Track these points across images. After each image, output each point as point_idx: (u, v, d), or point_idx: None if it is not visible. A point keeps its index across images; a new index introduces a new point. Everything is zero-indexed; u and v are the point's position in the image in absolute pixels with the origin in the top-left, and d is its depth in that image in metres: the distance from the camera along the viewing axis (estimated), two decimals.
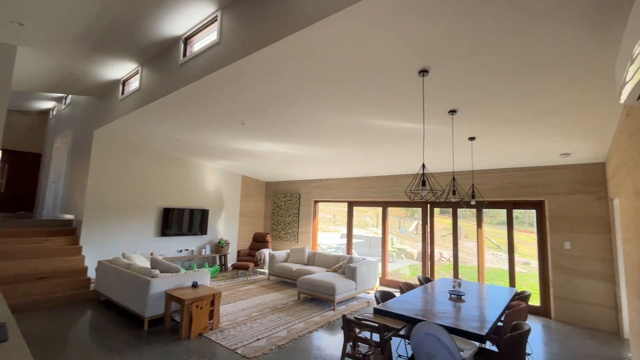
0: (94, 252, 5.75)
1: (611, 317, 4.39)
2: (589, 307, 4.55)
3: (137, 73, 4.69)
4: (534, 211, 5.36)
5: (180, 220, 7.07)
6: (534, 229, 5.38)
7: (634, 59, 1.55)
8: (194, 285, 4.10)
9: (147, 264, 4.94)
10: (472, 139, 4.18)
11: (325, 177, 7.98)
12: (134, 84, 4.84)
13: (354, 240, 7.91)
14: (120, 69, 4.77)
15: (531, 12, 1.89)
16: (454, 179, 3.87)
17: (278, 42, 2.53)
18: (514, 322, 2.43)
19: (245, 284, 6.43)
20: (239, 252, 7.81)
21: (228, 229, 8.27)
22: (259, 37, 2.72)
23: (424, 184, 2.53)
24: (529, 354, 3.47)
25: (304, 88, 3.22)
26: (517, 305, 3.00)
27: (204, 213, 7.56)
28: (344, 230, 7.93)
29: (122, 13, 3.31)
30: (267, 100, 3.64)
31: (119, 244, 6.11)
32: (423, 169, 2.59)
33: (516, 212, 5.64)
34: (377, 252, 7.27)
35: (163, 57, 4.14)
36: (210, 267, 7.24)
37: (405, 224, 12.65)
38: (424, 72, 2.67)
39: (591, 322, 4.52)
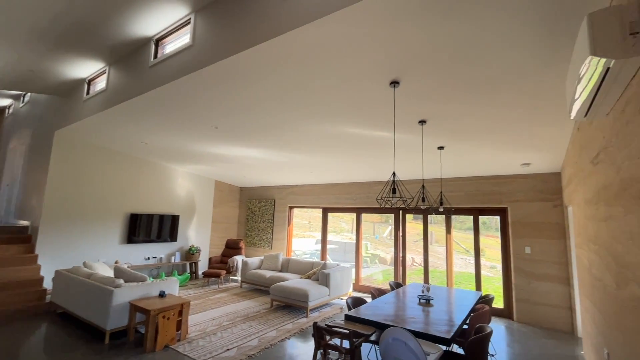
0: (52, 261, 5.39)
1: (567, 317, 4.68)
2: (547, 309, 4.82)
3: (104, 73, 4.50)
4: (498, 217, 5.64)
5: (148, 227, 6.79)
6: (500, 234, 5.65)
7: (580, 78, 1.69)
8: (161, 295, 3.94)
9: (111, 273, 4.69)
10: (441, 148, 4.35)
11: (300, 183, 7.98)
12: (100, 84, 4.63)
13: (329, 246, 7.94)
14: (85, 68, 4.56)
15: (494, 32, 2.01)
16: (423, 186, 4.00)
17: (252, 49, 2.52)
18: (478, 325, 2.54)
19: (217, 292, 6.26)
20: (210, 259, 7.60)
21: (200, 235, 8.04)
22: (233, 42, 2.70)
23: (394, 192, 2.60)
24: (492, 355, 3.62)
25: (278, 94, 3.23)
26: (481, 309, 3.14)
27: (174, 219, 7.30)
28: (320, 236, 7.94)
29: (88, 10, 3.18)
30: (242, 106, 3.61)
31: (80, 252, 5.77)
32: (393, 177, 2.66)
33: (484, 218, 5.91)
34: (351, 257, 7.33)
35: (133, 58, 4.01)
36: (179, 275, 6.99)
37: (380, 230, 12.87)
38: (395, 83, 2.76)
39: (549, 323, 4.79)
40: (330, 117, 3.68)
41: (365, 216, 7.37)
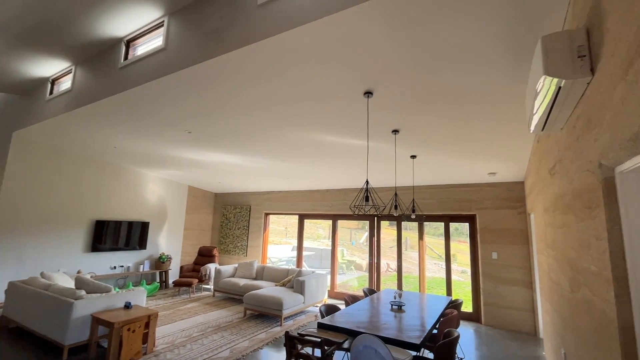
0: (5, 273, 5.00)
1: (530, 319, 4.91)
2: (512, 312, 5.04)
3: (70, 72, 4.29)
4: (467, 224, 5.86)
5: (116, 234, 6.47)
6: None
7: (537, 94, 1.81)
8: (127, 306, 3.75)
9: (72, 284, 4.42)
10: (413, 157, 4.48)
11: (277, 189, 7.93)
12: (65, 84, 4.41)
13: (305, 253, 7.91)
14: (49, 67, 4.32)
15: (461, 48, 2.12)
16: (396, 194, 4.10)
17: (227, 55, 2.50)
18: (446, 330, 2.61)
19: (188, 302, 6.04)
20: (182, 267, 7.34)
21: (171, 242, 7.76)
22: (208, 47, 2.67)
23: (367, 199, 2.65)
24: (461, 359, 3.73)
25: (254, 101, 3.21)
26: (450, 314, 3.23)
27: (144, 226, 7.01)
28: (296, 243, 7.89)
29: (53, 6, 3.04)
30: (216, 111, 3.56)
31: (40, 262, 5.39)
32: (367, 185, 2.71)
33: (456, 224, 6.12)
34: (328, 264, 7.33)
35: (101, 58, 3.85)
36: (148, 285, 6.69)
37: (356, 236, 12.98)
38: (368, 93, 2.83)
39: (514, 325, 5.01)
40: (305, 125, 3.70)
41: (342, 222, 7.42)
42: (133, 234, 6.79)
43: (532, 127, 2.12)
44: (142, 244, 6.96)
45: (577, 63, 1.37)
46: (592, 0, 1.33)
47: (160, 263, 7.10)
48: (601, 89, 1.25)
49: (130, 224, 6.74)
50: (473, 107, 2.91)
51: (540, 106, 1.81)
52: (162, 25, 3.22)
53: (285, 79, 2.73)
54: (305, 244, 7.98)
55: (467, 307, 5.60)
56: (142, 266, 6.85)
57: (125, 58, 3.58)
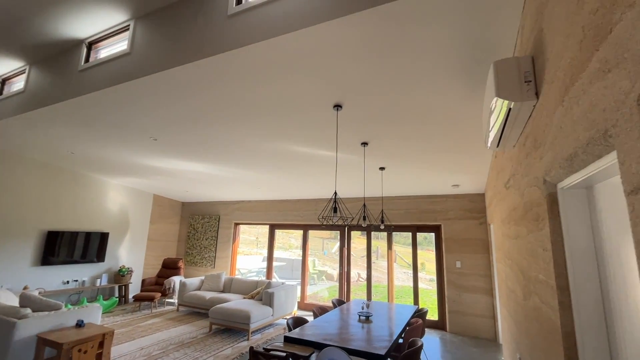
0: None
1: (490, 326, 5.12)
2: (475, 319, 5.24)
3: (24, 73, 4.01)
4: (433, 234, 6.07)
5: (71, 246, 6.02)
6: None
7: (492, 111, 1.93)
8: (79, 325, 3.48)
9: (16, 302, 4.04)
10: (382, 168, 4.60)
11: (247, 198, 7.79)
12: (17, 85, 4.11)
13: (276, 264, 7.80)
14: None
15: (423, 69, 2.23)
16: (364, 205, 4.18)
17: (196, 62, 2.46)
18: (411, 339, 2.66)
19: (149, 317, 5.71)
20: (144, 281, 6.94)
21: (132, 254, 7.34)
22: (176, 54, 2.61)
23: (335, 210, 2.68)
24: None
25: (224, 110, 3.17)
26: (416, 323, 3.30)
27: (103, 237, 6.58)
28: (267, 253, 7.75)
29: (6, 3, 2.85)
30: (184, 119, 3.47)
31: None
32: (335, 196, 2.74)
33: (424, 234, 6.30)
34: (299, 275, 7.25)
35: (59, 59, 3.64)
36: (105, 300, 6.26)
37: (328, 246, 12.99)
38: (338, 107, 2.89)
39: (476, 332, 5.20)
40: (276, 135, 3.70)
41: (314, 232, 7.41)
42: (91, 246, 6.35)
43: (489, 144, 2.26)
44: (100, 256, 6.52)
45: (524, 87, 1.49)
46: (535, 31, 1.46)
47: (119, 276, 6.68)
48: (544, 112, 1.36)
49: (88, 234, 6.32)
50: (436, 124, 3.05)
51: (495, 124, 1.94)
52: (128, 30, 3.12)
53: (255, 90, 2.73)
54: (277, 254, 7.87)
55: (433, 315, 5.74)
56: (99, 280, 6.40)
57: (87, 60, 3.41)
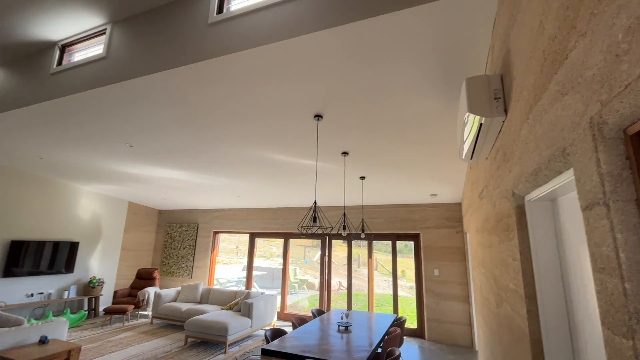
0: None
1: (467, 333, 5.22)
2: (452, 326, 5.33)
3: None
4: (412, 242, 6.17)
5: (37, 256, 5.68)
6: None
7: (465, 124, 2.01)
8: (42, 341, 3.28)
9: None
10: (362, 178, 4.66)
11: (227, 206, 7.66)
12: None
13: (257, 273, 7.67)
14: None
15: (402, 80, 2.29)
16: (344, 215, 4.20)
17: (175, 69, 2.43)
18: (389, 349, 2.67)
19: (121, 331, 5.45)
20: (116, 292, 6.64)
21: (104, 265, 7.01)
22: (154, 60, 2.57)
23: (315, 220, 2.68)
24: None
25: (203, 117, 3.13)
26: (394, 332, 3.32)
27: (73, 246, 6.27)
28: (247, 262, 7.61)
29: None
30: (162, 125, 3.39)
31: None
32: (314, 206, 2.74)
33: (404, 242, 6.38)
34: (280, 284, 7.15)
35: (30, 62, 3.50)
36: (73, 313, 5.93)
37: (310, 254, 12.91)
38: (318, 117, 2.91)
39: (453, 339, 5.28)
40: (256, 143, 3.68)
41: (296, 240, 7.35)
42: (59, 256, 6.03)
43: (463, 156, 2.34)
44: (69, 267, 6.20)
45: (493, 104, 1.56)
46: (504, 51, 1.55)
47: (90, 288, 6.35)
48: (512, 128, 1.43)
49: (56, 244, 5.99)
50: (414, 135, 3.13)
51: (468, 137, 2.02)
52: (104, 34, 3.04)
53: (235, 98, 2.71)
54: (258, 263, 7.75)
55: (413, 323, 5.80)
56: (67, 292, 6.06)
57: (59, 63, 3.29)
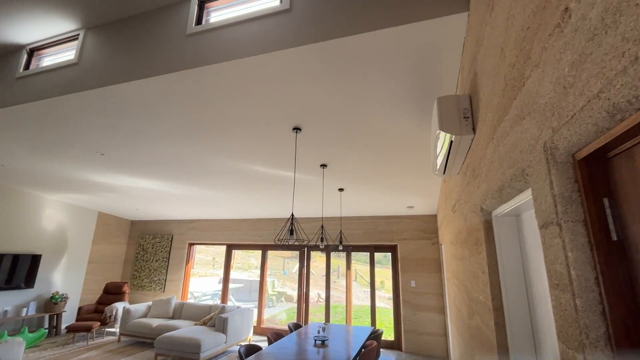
0: None
1: (443, 343, 5.29)
2: (428, 337, 5.39)
3: None
4: (390, 253, 6.23)
5: None
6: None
7: (437, 141, 2.09)
8: None
9: None
10: (341, 190, 4.69)
11: (203, 217, 7.47)
12: None
13: (233, 286, 7.48)
14: None
15: (380, 94, 2.36)
16: (322, 227, 4.21)
17: (153, 78, 2.38)
18: None
19: (84, 350, 5.12)
20: (80, 308, 6.24)
21: (69, 279, 6.61)
22: (130, 68, 2.51)
23: (292, 232, 2.66)
24: None
25: (179, 128, 3.07)
26: (370, 345, 3.32)
27: (34, 259, 5.87)
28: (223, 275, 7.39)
29: None
30: (136, 134, 3.29)
31: None
32: (292, 218, 2.73)
33: (383, 253, 6.43)
34: (257, 297, 6.98)
35: None
36: (31, 332, 5.52)
37: (289, 265, 12.73)
38: (297, 129, 2.93)
39: (430, 350, 5.33)
40: (234, 154, 3.64)
41: (275, 252, 7.24)
42: (18, 270, 5.63)
43: (436, 170, 2.42)
44: (29, 281, 5.79)
45: (463, 123, 1.63)
46: (472, 73, 1.63)
47: (51, 304, 5.95)
48: (480, 146, 1.50)
49: (16, 257, 5.60)
50: (390, 149, 3.21)
51: (440, 152, 2.09)
52: (77, 39, 2.95)
53: (213, 109, 2.69)
54: (235, 275, 7.57)
55: (390, 335, 5.81)
56: (25, 309, 5.64)
57: (27, 67, 3.15)
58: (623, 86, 0.46)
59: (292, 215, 2.71)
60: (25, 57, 3.18)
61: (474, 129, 1.61)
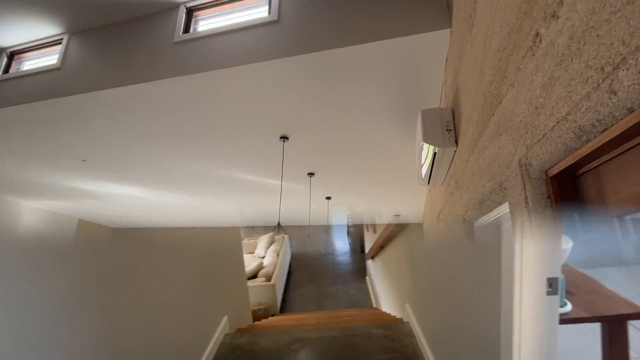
0: None
1: None
2: None
3: None
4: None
5: None
6: None
7: (421, 152, 2.13)
8: None
9: None
10: (328, 198, 4.71)
11: (191, 224, 7.33)
12: None
13: None
14: None
15: (366, 105, 2.40)
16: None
17: (138, 85, 2.36)
18: None
19: None
20: None
21: None
22: (114, 75, 2.48)
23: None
24: None
25: (165, 135, 3.03)
26: None
27: None
28: None
29: None
30: (120, 141, 3.23)
31: None
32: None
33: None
34: None
35: None
36: None
37: None
38: (284, 138, 2.94)
39: None
40: (220, 161, 3.62)
41: None
42: None
43: (421, 180, 2.46)
44: None
45: (446, 135, 1.67)
46: (454, 88, 1.68)
47: None
48: (462, 158, 1.54)
49: None
50: (375, 158, 3.26)
51: (424, 163, 2.13)
52: (60, 43, 2.89)
53: (200, 117, 2.67)
54: None
55: None
56: None
57: (6, 71, 3.06)
58: (587, 110, 0.48)
59: (279, 224, 2.70)
60: (5, 60, 3.10)
61: (456, 142, 1.65)
